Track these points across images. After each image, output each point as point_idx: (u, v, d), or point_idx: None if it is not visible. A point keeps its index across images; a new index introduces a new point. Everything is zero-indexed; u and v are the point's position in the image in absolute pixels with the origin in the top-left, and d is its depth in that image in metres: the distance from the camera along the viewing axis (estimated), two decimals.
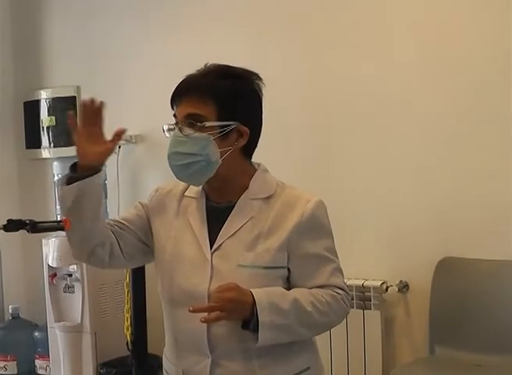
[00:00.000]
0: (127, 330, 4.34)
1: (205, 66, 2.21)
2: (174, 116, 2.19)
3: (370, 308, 3.99)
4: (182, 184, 2.31)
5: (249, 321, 2.06)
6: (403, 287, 4.01)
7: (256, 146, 2.26)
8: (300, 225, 2.14)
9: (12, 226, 2.59)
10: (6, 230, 2.58)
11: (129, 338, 4.32)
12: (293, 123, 4.33)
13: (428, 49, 3.94)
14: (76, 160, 2.15)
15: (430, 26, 3.94)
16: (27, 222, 2.61)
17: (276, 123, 4.29)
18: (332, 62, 4.22)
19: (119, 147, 4.90)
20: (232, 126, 2.14)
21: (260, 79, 2.23)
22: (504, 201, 3.77)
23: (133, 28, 4.96)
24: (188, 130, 2.12)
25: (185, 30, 4.72)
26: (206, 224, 2.21)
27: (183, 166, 2.14)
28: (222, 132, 2.12)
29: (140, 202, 2.37)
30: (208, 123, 2.11)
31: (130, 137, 4.88)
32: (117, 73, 5.04)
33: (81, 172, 2.13)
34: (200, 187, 2.27)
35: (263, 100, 2.25)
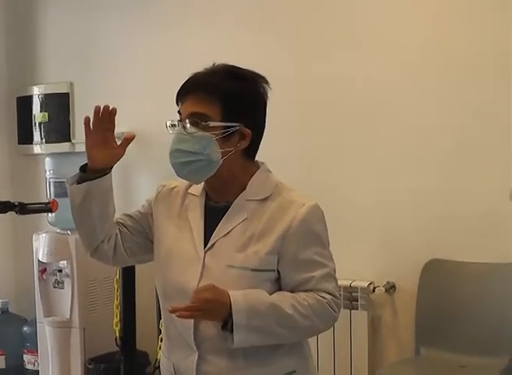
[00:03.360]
0: (116, 325, 4.35)
1: (213, 65, 2.22)
2: (178, 112, 2.20)
3: (357, 309, 4.03)
4: (186, 182, 2.33)
5: (227, 322, 2.08)
6: (390, 288, 4.05)
7: (258, 148, 2.28)
8: (290, 230, 2.15)
9: (1, 207, 2.60)
10: None
11: (117, 334, 4.34)
12: (285, 125, 4.34)
13: (426, 49, 3.97)
14: (85, 162, 2.23)
15: (425, 28, 3.98)
16: (16, 204, 2.62)
17: (268, 123, 4.33)
18: (326, 63, 4.25)
19: None
20: (236, 128, 2.15)
21: (266, 82, 2.24)
22: (492, 205, 3.80)
23: (127, 25, 4.97)
24: (191, 129, 2.14)
25: (179, 28, 4.73)
26: (203, 222, 2.24)
27: (183, 163, 2.16)
28: (224, 133, 2.14)
29: (146, 200, 2.41)
30: (211, 123, 2.13)
31: (122, 134, 4.89)
32: (110, 70, 5.05)
33: (90, 173, 2.21)
34: (202, 185, 2.29)
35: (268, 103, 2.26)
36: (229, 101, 2.15)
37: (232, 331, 2.07)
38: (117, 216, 2.36)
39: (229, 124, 2.15)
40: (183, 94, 2.19)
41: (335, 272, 2.23)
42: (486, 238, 3.80)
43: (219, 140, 2.14)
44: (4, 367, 5.11)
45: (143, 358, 4.53)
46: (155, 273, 2.32)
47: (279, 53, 4.38)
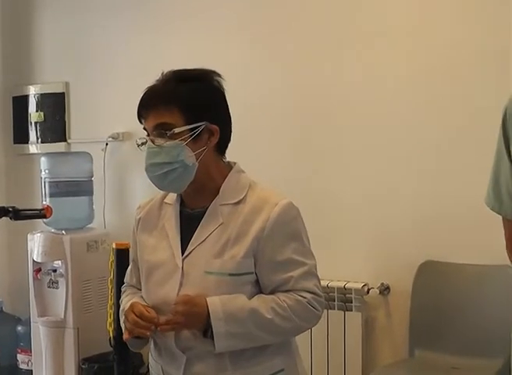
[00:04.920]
0: (110, 326, 4.34)
1: (162, 74, 2.25)
2: (144, 129, 2.22)
3: (351, 310, 4.02)
4: (161, 193, 2.35)
5: (207, 330, 2.11)
6: (385, 290, 4.05)
7: (229, 142, 2.28)
8: (264, 230, 2.15)
9: None
10: None
11: (111, 334, 4.32)
12: (279, 124, 4.35)
13: (418, 51, 3.98)
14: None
15: (420, 31, 3.98)
16: (10, 209, 2.62)
17: (263, 123, 4.35)
18: (318, 63, 4.26)
19: (106, 144, 4.93)
20: (202, 127, 2.16)
21: (218, 75, 2.24)
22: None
23: (123, 25, 4.98)
24: (159, 141, 2.15)
25: (175, 27, 4.74)
26: (179, 231, 2.25)
27: (161, 175, 2.17)
28: (192, 135, 2.15)
29: (132, 232, 2.42)
30: (176, 130, 2.14)
31: (117, 134, 4.90)
32: (106, 69, 5.06)
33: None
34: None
35: (227, 95, 2.26)
36: (186, 103, 2.16)
37: (212, 338, 2.09)
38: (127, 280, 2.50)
39: (193, 126, 2.15)
40: (143, 111, 2.21)
41: (315, 268, 2.23)
42: (481, 240, 3.81)
43: (189, 144, 2.15)
44: None
45: (136, 358, 4.51)
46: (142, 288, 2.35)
47: (271, 55, 4.40)
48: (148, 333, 2.14)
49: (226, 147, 2.28)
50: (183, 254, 2.20)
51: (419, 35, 3.97)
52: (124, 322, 2.23)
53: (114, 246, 4.20)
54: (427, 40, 3.95)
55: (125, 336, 2.20)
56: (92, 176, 4.89)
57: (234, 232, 2.17)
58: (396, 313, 4.07)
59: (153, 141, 2.16)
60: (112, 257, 4.22)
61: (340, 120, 4.19)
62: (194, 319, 2.10)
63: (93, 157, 4.89)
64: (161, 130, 2.15)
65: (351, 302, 4.03)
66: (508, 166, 2.21)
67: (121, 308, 2.39)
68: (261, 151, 4.29)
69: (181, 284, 2.17)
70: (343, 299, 4.03)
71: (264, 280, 2.19)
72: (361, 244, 4.13)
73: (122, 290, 2.50)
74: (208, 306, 2.09)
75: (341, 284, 4.02)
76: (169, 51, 4.65)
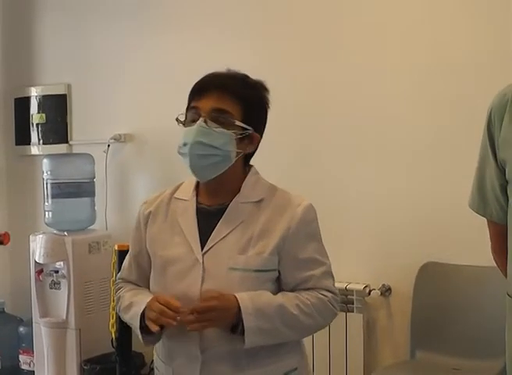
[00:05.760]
0: (112, 327, 4.35)
1: (227, 70, 2.27)
2: (193, 107, 2.21)
3: (352, 311, 4.03)
4: (169, 189, 2.37)
5: (236, 325, 2.11)
6: (386, 291, 4.06)
7: (253, 155, 2.34)
8: (290, 230, 2.20)
9: None
10: None
11: (113, 335, 4.34)
12: (278, 124, 4.34)
13: (420, 54, 3.98)
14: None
15: (420, 31, 3.98)
16: None
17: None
18: (320, 64, 4.26)
19: (108, 145, 4.94)
20: (250, 131, 2.21)
21: (269, 93, 2.31)
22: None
23: (125, 27, 4.98)
24: (213, 124, 2.17)
25: (178, 31, 4.73)
26: (196, 226, 2.25)
27: (202, 156, 2.18)
28: (242, 134, 2.19)
29: (135, 228, 2.41)
30: (237, 122, 2.18)
31: (119, 135, 4.90)
32: (108, 71, 5.06)
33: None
34: (192, 189, 2.31)
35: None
36: (249, 104, 2.21)
37: (242, 334, 2.10)
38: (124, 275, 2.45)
39: (246, 126, 2.20)
40: (205, 89, 2.21)
41: (331, 269, 2.29)
42: (482, 241, 3.77)
43: (236, 140, 2.19)
44: None
45: (138, 359, 4.52)
46: (151, 284, 2.33)
47: (272, 55, 4.41)
48: (175, 323, 2.11)
49: (251, 159, 2.34)
50: (202, 249, 2.21)
51: (419, 35, 3.97)
52: (147, 314, 2.18)
53: (116, 247, 4.22)
54: (427, 40, 3.95)
55: (154, 328, 2.15)
56: (94, 178, 4.90)
57: (257, 230, 2.20)
58: (398, 314, 4.07)
59: (206, 122, 2.18)
60: (114, 258, 4.23)
61: (340, 120, 4.19)
62: (223, 316, 2.11)
63: (95, 158, 4.89)
64: (219, 115, 2.17)
65: (352, 304, 4.04)
66: (493, 167, 2.22)
67: (124, 305, 2.35)
68: (260, 151, 4.29)
69: (203, 279, 2.18)
70: (344, 300, 4.03)
71: (287, 278, 2.23)
72: (363, 246, 4.14)
73: (118, 286, 2.47)
74: (238, 302, 2.11)
75: (342, 285, 4.02)
76: (170, 53, 4.65)
